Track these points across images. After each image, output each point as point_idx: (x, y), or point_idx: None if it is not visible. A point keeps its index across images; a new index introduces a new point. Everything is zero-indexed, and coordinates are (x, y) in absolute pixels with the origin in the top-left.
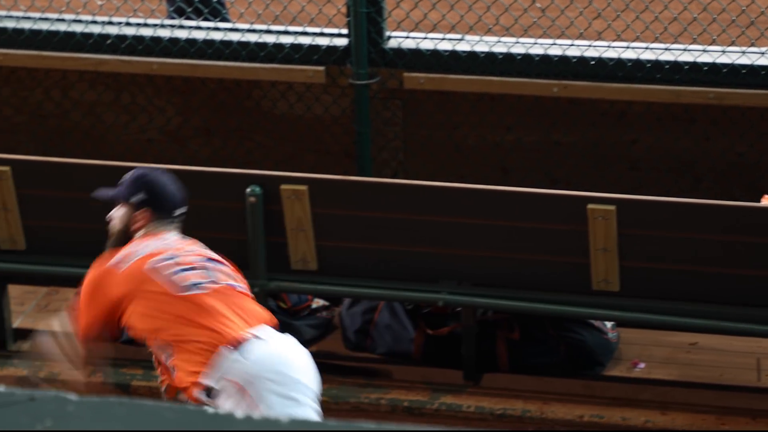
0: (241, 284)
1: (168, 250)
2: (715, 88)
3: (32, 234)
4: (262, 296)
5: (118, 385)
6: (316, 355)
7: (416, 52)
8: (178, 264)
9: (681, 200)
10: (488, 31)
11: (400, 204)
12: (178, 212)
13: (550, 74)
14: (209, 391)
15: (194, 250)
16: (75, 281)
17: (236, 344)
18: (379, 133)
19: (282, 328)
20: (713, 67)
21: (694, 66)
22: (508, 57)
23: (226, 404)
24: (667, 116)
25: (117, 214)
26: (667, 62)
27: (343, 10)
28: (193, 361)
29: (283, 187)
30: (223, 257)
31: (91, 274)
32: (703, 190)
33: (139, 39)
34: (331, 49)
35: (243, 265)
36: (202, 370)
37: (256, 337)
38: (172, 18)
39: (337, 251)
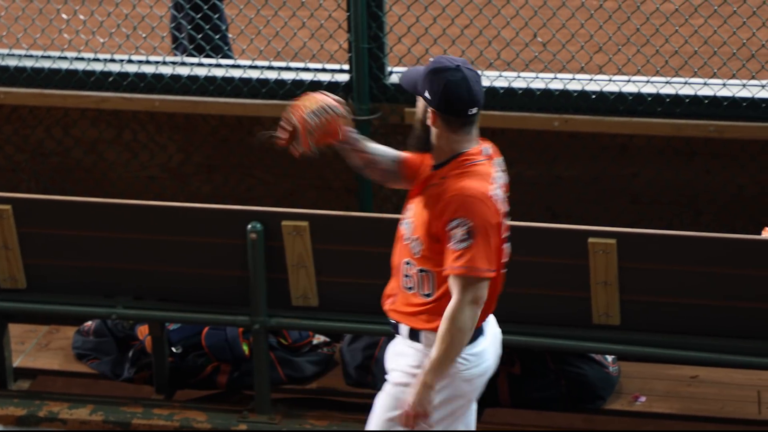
0: None
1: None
2: (716, 121)
3: (33, 272)
4: (263, 333)
5: (118, 423)
6: (316, 392)
7: None
8: (506, 228)
9: (682, 233)
10: (489, 66)
11: None
12: (470, 113)
13: (551, 108)
14: None
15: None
16: (75, 319)
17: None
18: None
19: (282, 364)
20: (714, 100)
21: (695, 99)
22: (510, 91)
23: None
24: (668, 150)
25: (418, 105)
26: (668, 96)
27: (345, 45)
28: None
29: (284, 223)
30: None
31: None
32: (704, 223)
33: (141, 76)
34: (333, 85)
35: (244, 302)
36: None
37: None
38: (176, 55)
39: (338, 287)
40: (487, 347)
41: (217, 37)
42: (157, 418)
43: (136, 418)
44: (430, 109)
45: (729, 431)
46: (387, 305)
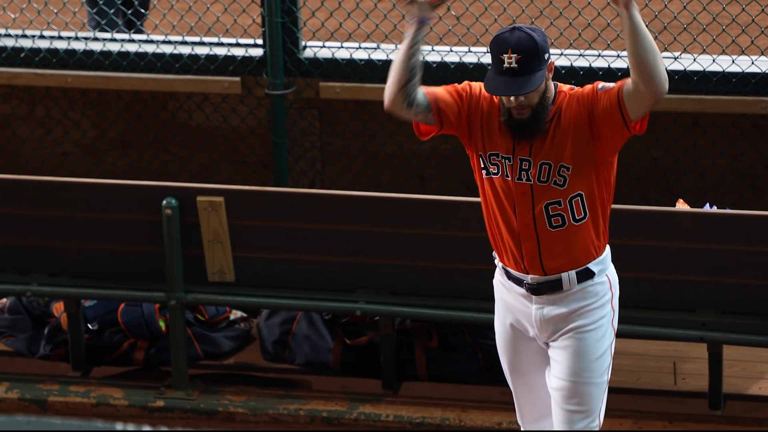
0: None
1: None
2: None
3: None
4: (179, 309)
5: (34, 401)
6: (234, 367)
7: (332, 62)
8: None
9: None
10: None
11: (317, 214)
12: None
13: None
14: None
15: None
16: None
17: None
18: (296, 143)
19: (199, 340)
20: (627, 72)
21: (609, 71)
22: (424, 65)
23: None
24: None
25: (537, 81)
26: (581, 68)
27: (258, 20)
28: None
29: (200, 198)
30: None
31: None
32: (618, 195)
33: (53, 52)
34: (247, 60)
35: (160, 278)
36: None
37: None
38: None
39: (254, 262)
40: None
41: (130, 12)
42: (74, 395)
43: (52, 396)
44: (550, 67)
45: (645, 402)
46: None
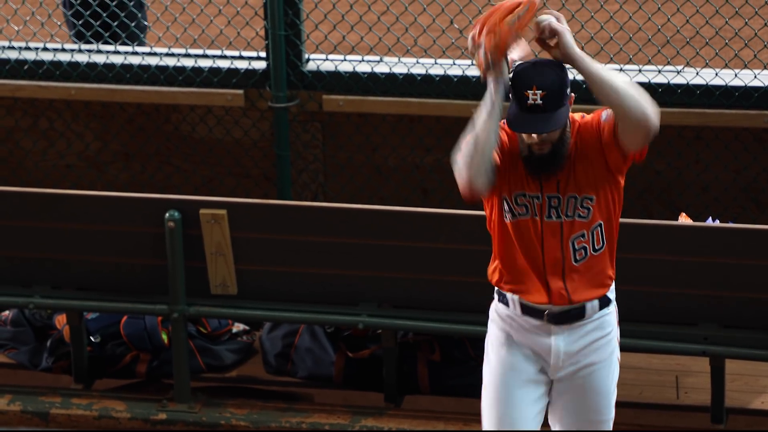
0: None
1: None
2: None
3: None
4: (182, 321)
5: (36, 414)
6: (236, 380)
7: (335, 74)
8: None
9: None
10: (407, 53)
11: (320, 227)
12: None
13: (469, 95)
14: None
15: None
16: None
17: None
18: (299, 156)
19: (201, 352)
20: None
21: None
22: (427, 78)
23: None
24: None
25: (561, 119)
26: (584, 82)
27: (262, 32)
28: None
29: (202, 211)
30: None
31: None
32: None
33: (56, 64)
34: (250, 73)
35: (162, 290)
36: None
37: None
38: (74, 42)
39: (256, 275)
40: None
41: (133, 24)
42: (76, 407)
43: (54, 408)
44: (570, 100)
45: (647, 416)
46: None
